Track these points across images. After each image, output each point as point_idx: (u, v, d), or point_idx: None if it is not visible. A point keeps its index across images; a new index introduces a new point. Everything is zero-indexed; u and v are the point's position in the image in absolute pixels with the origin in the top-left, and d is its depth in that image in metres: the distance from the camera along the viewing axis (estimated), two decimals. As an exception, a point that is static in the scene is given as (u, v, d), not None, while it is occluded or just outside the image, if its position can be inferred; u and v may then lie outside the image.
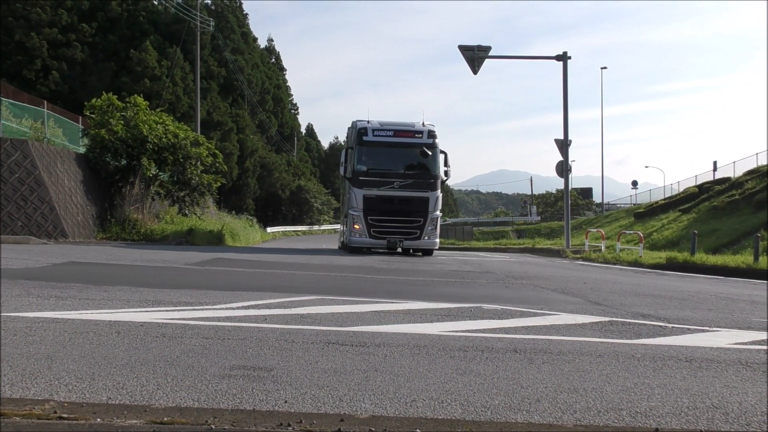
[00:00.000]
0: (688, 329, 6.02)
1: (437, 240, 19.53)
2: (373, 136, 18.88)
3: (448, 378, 3.81)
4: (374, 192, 18.54)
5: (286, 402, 3.22)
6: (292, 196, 75.81)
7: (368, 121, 19.43)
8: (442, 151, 19.32)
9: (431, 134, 19.15)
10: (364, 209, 18.53)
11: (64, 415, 2.82)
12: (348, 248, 19.79)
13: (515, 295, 8.82)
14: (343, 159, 20.08)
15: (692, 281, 12.96)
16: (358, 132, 19.15)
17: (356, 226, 18.66)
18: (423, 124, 19.67)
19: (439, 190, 19.27)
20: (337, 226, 46.31)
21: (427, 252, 19.72)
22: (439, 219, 19.39)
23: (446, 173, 19.51)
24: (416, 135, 19.17)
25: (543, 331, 5.64)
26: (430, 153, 18.82)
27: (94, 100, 24.25)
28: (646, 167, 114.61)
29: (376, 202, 18.55)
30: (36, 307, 5.88)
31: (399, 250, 20.13)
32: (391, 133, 18.99)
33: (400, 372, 3.91)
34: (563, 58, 25.29)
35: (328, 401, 3.26)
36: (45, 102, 25.10)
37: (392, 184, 18.60)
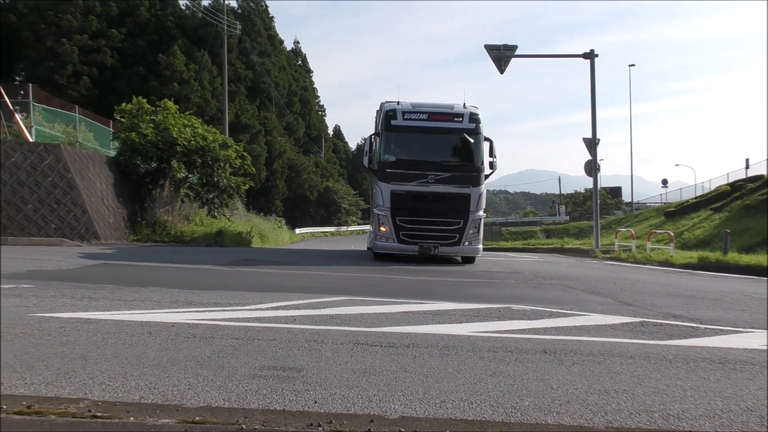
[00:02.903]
0: (721, 330, 5.93)
1: (480, 246, 16.15)
2: (404, 119, 16.00)
3: (478, 379, 3.80)
4: (404, 187, 15.48)
5: (315, 402, 3.23)
6: (320, 198, 76.18)
7: (398, 102, 16.46)
8: (486, 138, 16.11)
9: (474, 117, 16.04)
10: (391, 208, 15.48)
11: (98, 414, 2.87)
12: (373, 254, 16.99)
13: (544, 295, 8.75)
14: (367, 147, 16.80)
15: (725, 281, 12.76)
16: (385, 115, 16.23)
17: (382, 229, 15.65)
18: (464, 105, 16.46)
19: (483, 186, 15.95)
20: (366, 227, 46.17)
21: (468, 259, 16.44)
22: (482, 221, 16.10)
23: (492, 165, 16.18)
24: (455, 118, 16.12)
25: (573, 332, 5.59)
26: (472, 140, 15.76)
27: (124, 104, 24.58)
28: (677, 165, 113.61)
29: (407, 200, 15.49)
30: (70, 307, 5.98)
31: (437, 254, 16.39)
32: (424, 116, 16.07)
33: (430, 373, 3.91)
34: (590, 55, 25.05)
35: (357, 402, 3.27)
36: (76, 107, 25.52)
37: (426, 177, 15.50)
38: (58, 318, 5.40)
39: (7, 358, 3.95)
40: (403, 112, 16.04)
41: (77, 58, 47.31)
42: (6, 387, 3.34)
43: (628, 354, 4.66)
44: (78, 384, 3.43)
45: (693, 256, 19.10)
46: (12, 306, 5.96)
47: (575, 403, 3.37)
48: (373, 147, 16.70)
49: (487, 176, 16.05)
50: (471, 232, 15.63)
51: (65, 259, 12.15)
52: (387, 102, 16.81)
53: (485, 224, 18.07)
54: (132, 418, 2.84)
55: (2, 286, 7.53)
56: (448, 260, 15.55)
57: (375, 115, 18.70)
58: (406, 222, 15.48)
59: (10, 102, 21.18)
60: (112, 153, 24.70)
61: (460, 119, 16.07)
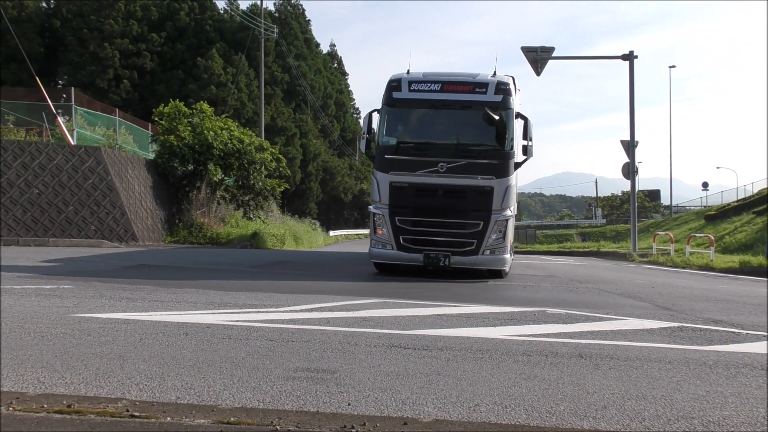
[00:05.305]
0: (764, 336, 5.80)
1: (507, 256, 12.08)
2: (409, 91, 12.23)
3: (512, 383, 3.77)
4: (406, 178, 11.87)
5: (349, 404, 3.24)
6: (354, 200, 76.39)
7: (408, 72, 12.60)
8: (520, 116, 12.25)
9: (502, 88, 12.05)
10: (390, 205, 11.88)
11: (136, 414, 2.91)
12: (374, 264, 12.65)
13: (580, 299, 8.66)
14: (365, 128, 12.89)
15: None
16: (387, 86, 12.53)
17: (379, 232, 12.02)
18: (494, 73, 12.41)
19: (512, 177, 12.09)
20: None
21: (494, 273, 12.29)
22: (510, 222, 12.18)
23: (526, 150, 12.13)
24: (477, 89, 12.14)
25: (609, 336, 5.52)
26: (497, 117, 11.71)
27: (162, 107, 24.95)
28: (718, 168, 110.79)
29: (409, 194, 11.85)
30: (108, 308, 6.08)
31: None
32: (437, 86, 12.22)
33: (463, 376, 3.89)
34: (629, 57, 24.73)
35: (391, 404, 3.27)
36: (117, 110, 26.03)
37: (435, 165, 11.73)
38: (97, 318, 5.50)
39: (48, 357, 4.04)
40: (410, 82, 12.34)
41: (118, 62, 48.25)
42: (47, 386, 3.41)
43: (667, 359, 4.58)
44: (116, 384, 3.49)
45: (734, 260, 18.71)
46: (53, 306, 6.10)
47: (612, 408, 3.32)
48: (371, 127, 12.95)
49: (518, 164, 12.36)
50: (494, 237, 11.76)
51: (104, 260, 12.37)
52: (396, 74, 13.03)
53: (518, 227, 12.46)
54: (169, 418, 2.88)
55: (44, 286, 7.71)
56: (469, 273, 12.05)
57: None
58: (408, 223, 11.87)
59: (53, 105, 21.67)
60: (151, 156, 25.08)
61: (483, 90, 12.17)
